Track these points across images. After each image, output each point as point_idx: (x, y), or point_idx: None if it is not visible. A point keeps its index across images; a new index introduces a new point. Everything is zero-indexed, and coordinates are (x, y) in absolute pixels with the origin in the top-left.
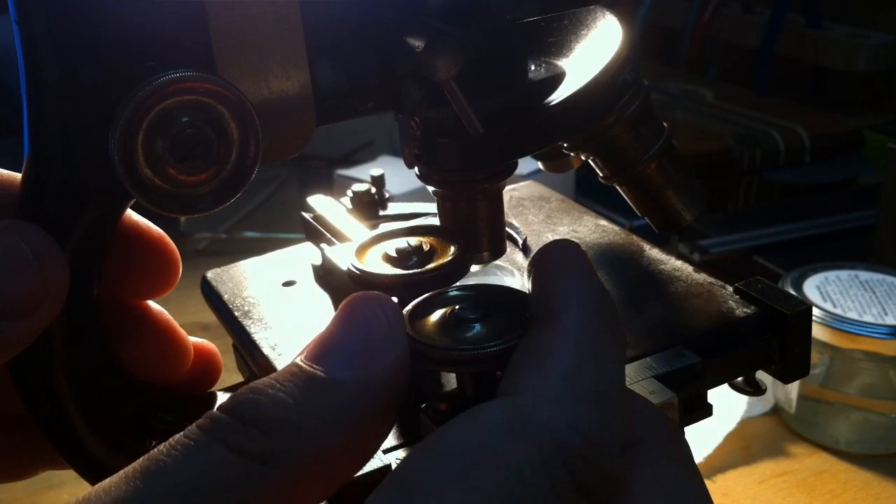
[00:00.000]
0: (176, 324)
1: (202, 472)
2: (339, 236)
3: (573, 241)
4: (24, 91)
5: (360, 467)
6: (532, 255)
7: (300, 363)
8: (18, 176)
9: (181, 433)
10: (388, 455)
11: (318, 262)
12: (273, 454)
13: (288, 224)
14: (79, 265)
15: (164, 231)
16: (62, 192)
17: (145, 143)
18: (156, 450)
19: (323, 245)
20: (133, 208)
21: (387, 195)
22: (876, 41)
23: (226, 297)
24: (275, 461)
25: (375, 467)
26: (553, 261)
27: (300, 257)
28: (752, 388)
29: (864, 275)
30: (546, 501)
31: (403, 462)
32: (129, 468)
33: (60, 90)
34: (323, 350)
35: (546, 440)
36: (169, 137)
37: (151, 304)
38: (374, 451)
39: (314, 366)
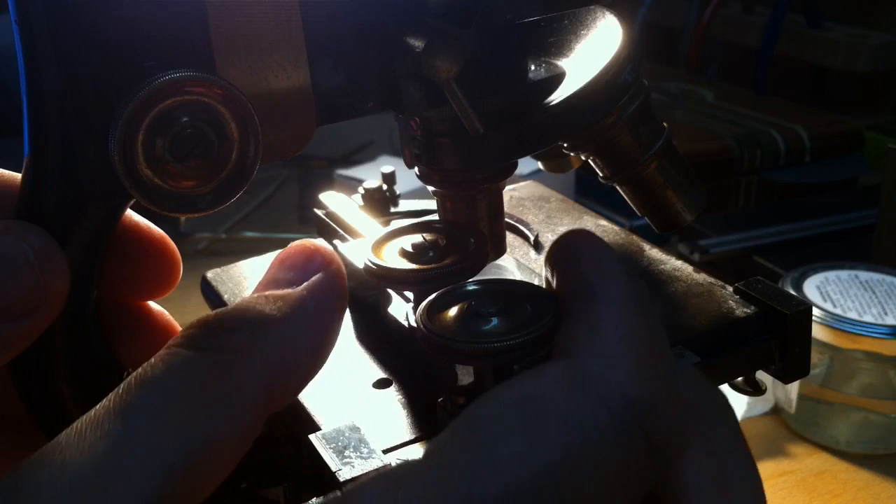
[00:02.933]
0: (176, 324)
1: (185, 375)
2: (352, 233)
3: (589, 231)
4: (24, 91)
5: (323, 360)
6: (550, 246)
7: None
8: (18, 176)
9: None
10: (389, 455)
11: None
12: (246, 347)
13: (288, 224)
14: (79, 265)
15: (164, 231)
16: (62, 192)
17: (145, 143)
18: (134, 372)
19: (336, 241)
20: (133, 208)
21: (398, 193)
22: (876, 41)
23: (226, 297)
24: (250, 354)
25: (375, 467)
26: (579, 246)
27: None
28: (752, 388)
29: (864, 275)
30: (613, 455)
31: (468, 410)
32: (111, 395)
33: (60, 90)
34: (267, 279)
35: (613, 395)
36: (169, 137)
37: (152, 304)
38: (334, 341)
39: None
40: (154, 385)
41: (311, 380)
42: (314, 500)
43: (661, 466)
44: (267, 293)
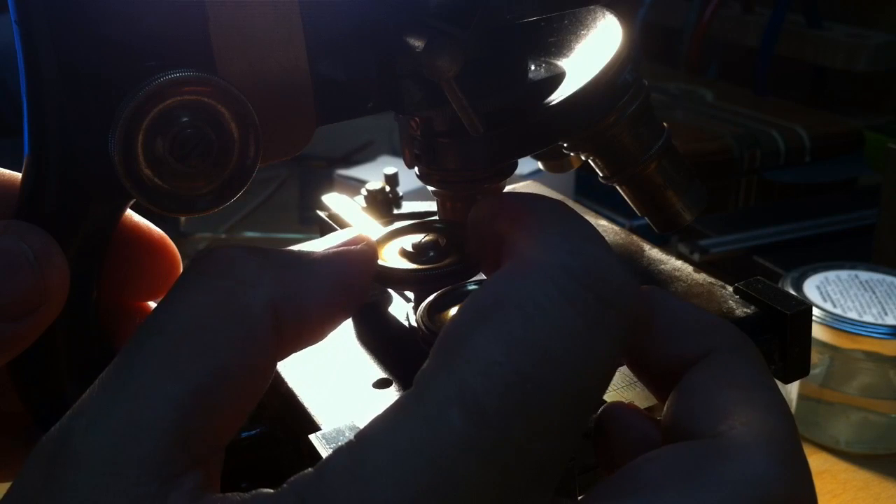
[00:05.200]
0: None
1: (200, 307)
2: None
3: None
4: (24, 91)
5: (325, 334)
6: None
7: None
8: (18, 176)
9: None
10: None
11: None
12: (258, 283)
13: (288, 224)
14: (79, 266)
15: (164, 231)
16: (62, 193)
17: (145, 143)
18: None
19: None
20: (133, 208)
21: (400, 194)
22: (876, 41)
23: None
24: (261, 290)
25: None
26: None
27: None
28: None
29: (864, 275)
30: (574, 323)
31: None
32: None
33: (60, 90)
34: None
35: (557, 273)
36: (169, 137)
37: (152, 304)
38: (332, 324)
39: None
40: (162, 314)
41: (321, 335)
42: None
43: (625, 323)
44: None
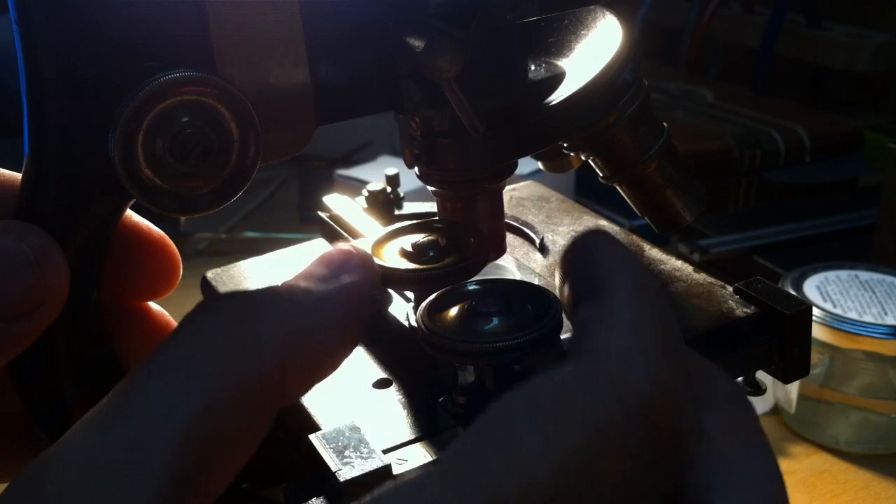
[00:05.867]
0: (176, 325)
1: (201, 350)
2: (356, 235)
3: (598, 228)
4: (24, 91)
5: (331, 370)
6: (562, 254)
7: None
8: (18, 176)
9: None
10: (389, 455)
11: None
12: (262, 313)
13: (288, 224)
14: (79, 266)
15: (164, 231)
16: (62, 193)
17: (145, 143)
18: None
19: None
20: (133, 208)
21: (402, 195)
22: (876, 41)
23: None
24: (266, 334)
25: (375, 467)
26: (586, 245)
27: (301, 257)
28: (752, 388)
29: (864, 275)
30: (629, 452)
31: (485, 412)
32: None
33: (60, 90)
34: (304, 274)
35: (625, 391)
36: (169, 137)
37: (152, 304)
38: (344, 357)
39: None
40: (164, 355)
41: (323, 376)
42: (314, 500)
43: (680, 462)
44: (291, 282)
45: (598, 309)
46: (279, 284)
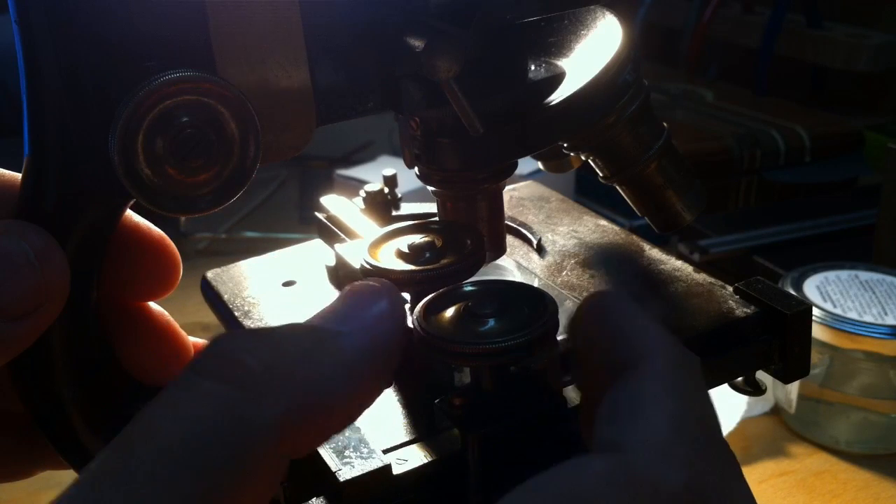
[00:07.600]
0: (176, 325)
1: (194, 420)
2: (353, 236)
3: (612, 290)
4: (24, 91)
5: (352, 421)
6: (573, 314)
7: (301, 323)
8: (18, 176)
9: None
10: (389, 455)
11: (332, 262)
12: (266, 393)
13: (288, 224)
14: (79, 266)
15: (164, 231)
16: (62, 192)
17: (145, 143)
18: (145, 408)
19: (336, 244)
20: (133, 208)
21: (399, 195)
22: (876, 41)
23: (226, 297)
24: (269, 402)
25: (375, 467)
26: (607, 308)
27: (300, 257)
28: (752, 388)
29: (864, 275)
30: None
31: (504, 500)
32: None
33: (60, 90)
34: (326, 313)
35: (661, 498)
36: (169, 137)
37: (152, 304)
38: (366, 407)
39: (317, 323)
40: (150, 424)
41: (338, 431)
42: (314, 500)
43: None
44: (308, 322)
45: (629, 391)
46: (287, 326)
